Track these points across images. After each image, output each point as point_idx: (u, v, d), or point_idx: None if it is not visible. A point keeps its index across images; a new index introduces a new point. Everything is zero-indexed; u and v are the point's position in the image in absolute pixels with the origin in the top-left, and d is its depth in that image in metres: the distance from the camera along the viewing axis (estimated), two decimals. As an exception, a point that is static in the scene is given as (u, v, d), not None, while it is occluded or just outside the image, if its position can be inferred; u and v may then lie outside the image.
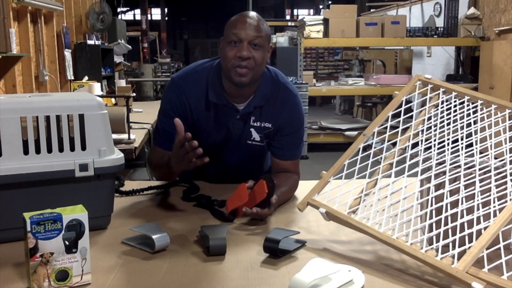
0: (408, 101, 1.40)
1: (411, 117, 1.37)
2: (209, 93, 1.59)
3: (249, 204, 1.31)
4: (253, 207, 1.30)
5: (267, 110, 1.61)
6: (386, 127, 1.32)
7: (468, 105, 1.34)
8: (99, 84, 4.55)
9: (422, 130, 1.30)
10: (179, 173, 1.52)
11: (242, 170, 1.68)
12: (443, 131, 1.27)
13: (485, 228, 1.00)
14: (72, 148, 1.20)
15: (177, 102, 1.60)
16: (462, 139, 1.25)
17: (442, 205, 1.07)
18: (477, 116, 1.31)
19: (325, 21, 6.71)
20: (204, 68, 1.63)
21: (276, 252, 1.10)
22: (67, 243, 0.94)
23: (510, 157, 1.16)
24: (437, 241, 1.02)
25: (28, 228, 0.91)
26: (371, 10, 11.69)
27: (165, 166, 1.51)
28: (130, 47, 7.14)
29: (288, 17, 20.85)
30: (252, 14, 1.54)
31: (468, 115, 1.31)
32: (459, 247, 0.98)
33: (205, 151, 1.47)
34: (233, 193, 1.36)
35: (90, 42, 5.61)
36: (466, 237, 0.99)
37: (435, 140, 1.26)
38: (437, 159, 1.19)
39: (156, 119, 1.69)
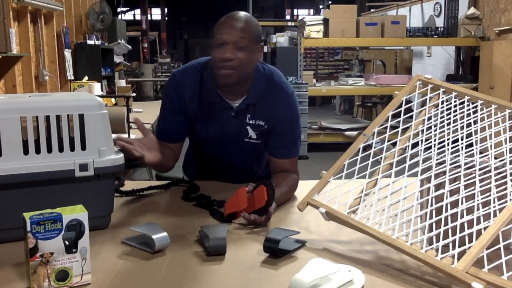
0: (408, 101, 1.40)
1: (411, 117, 1.37)
2: (202, 91, 1.61)
3: (248, 209, 1.31)
4: (251, 213, 1.30)
5: (260, 108, 1.62)
6: (386, 127, 1.32)
7: (468, 105, 1.34)
8: (99, 84, 4.56)
9: (422, 130, 1.30)
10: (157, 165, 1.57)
11: (243, 168, 1.70)
12: (443, 131, 1.27)
13: (485, 228, 1.00)
14: (72, 148, 1.20)
15: (174, 96, 1.63)
16: (462, 139, 1.25)
17: (442, 205, 1.07)
18: (477, 116, 1.31)
19: (325, 21, 6.70)
20: (201, 65, 1.65)
21: (276, 252, 1.10)
22: (67, 243, 0.94)
23: (510, 157, 1.16)
24: (437, 241, 1.02)
25: (28, 228, 0.91)
26: (371, 10, 11.69)
27: None
28: (130, 47, 7.14)
29: (288, 17, 20.85)
30: (240, 15, 1.54)
31: (468, 115, 1.31)
32: (459, 247, 0.98)
33: (204, 146, 1.51)
34: (232, 196, 1.35)
35: (90, 42, 5.61)
36: (466, 237, 0.99)
37: (435, 140, 1.26)
38: (437, 159, 1.19)
39: (158, 115, 1.73)
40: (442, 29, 7.16)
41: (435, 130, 1.29)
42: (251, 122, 1.63)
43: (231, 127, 1.63)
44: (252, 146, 1.66)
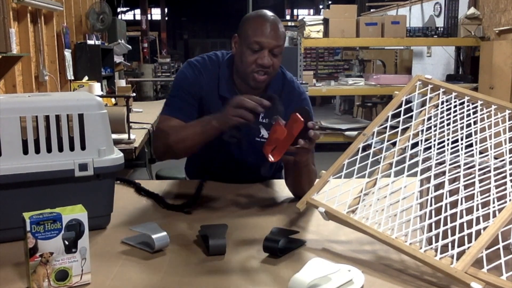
0: (408, 101, 1.40)
1: (411, 117, 1.37)
2: (220, 87, 1.61)
3: (288, 139, 1.29)
4: (293, 144, 1.28)
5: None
6: (386, 127, 1.32)
7: (468, 106, 1.34)
8: (99, 84, 4.55)
9: (422, 130, 1.30)
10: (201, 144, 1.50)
11: (248, 168, 1.68)
12: (443, 131, 1.27)
13: (484, 229, 1.00)
14: (72, 148, 1.20)
15: (194, 79, 1.61)
16: (462, 140, 1.25)
17: (441, 205, 1.07)
18: (477, 116, 1.31)
19: (325, 21, 6.71)
20: (215, 61, 1.65)
21: (276, 252, 1.10)
22: (66, 243, 0.94)
23: (510, 157, 1.16)
24: (436, 241, 1.02)
25: (28, 228, 0.91)
26: (371, 10, 11.69)
27: (191, 134, 1.50)
28: (130, 47, 7.14)
29: (288, 17, 20.83)
30: (272, 18, 1.53)
31: (468, 115, 1.31)
32: (458, 247, 0.98)
33: (213, 144, 1.49)
34: (268, 137, 1.34)
35: (90, 42, 5.61)
36: (466, 237, 0.99)
37: (435, 140, 1.26)
38: (437, 159, 1.19)
39: (168, 95, 1.67)
40: (442, 29, 7.16)
41: (435, 130, 1.29)
42: (264, 121, 1.63)
43: (244, 125, 1.62)
44: (262, 145, 1.66)
